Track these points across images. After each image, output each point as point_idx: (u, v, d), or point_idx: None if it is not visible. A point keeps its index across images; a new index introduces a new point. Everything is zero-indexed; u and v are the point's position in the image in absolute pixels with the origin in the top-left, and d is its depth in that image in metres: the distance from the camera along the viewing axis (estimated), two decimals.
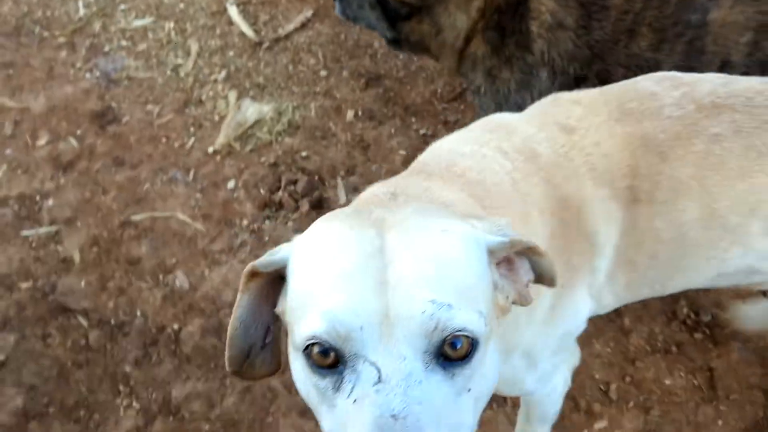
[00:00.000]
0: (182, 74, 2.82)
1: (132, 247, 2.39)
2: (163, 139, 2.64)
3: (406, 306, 0.82)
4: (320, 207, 2.41)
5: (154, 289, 2.31)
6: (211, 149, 2.59)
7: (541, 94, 1.78)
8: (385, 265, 0.85)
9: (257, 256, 2.25)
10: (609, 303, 1.38)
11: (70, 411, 2.13)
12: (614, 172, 1.24)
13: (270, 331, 1.10)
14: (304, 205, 2.42)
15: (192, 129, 2.66)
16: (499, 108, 1.99)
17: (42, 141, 2.62)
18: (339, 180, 2.48)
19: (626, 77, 1.53)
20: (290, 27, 2.95)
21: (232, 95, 2.72)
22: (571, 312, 1.28)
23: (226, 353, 1.08)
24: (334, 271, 0.88)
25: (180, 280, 2.32)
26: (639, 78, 1.40)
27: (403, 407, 0.79)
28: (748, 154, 1.23)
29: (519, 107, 1.85)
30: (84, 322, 2.26)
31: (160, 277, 2.33)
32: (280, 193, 2.46)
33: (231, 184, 2.50)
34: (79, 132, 2.65)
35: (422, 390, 0.81)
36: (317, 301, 0.86)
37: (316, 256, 0.92)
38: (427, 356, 0.83)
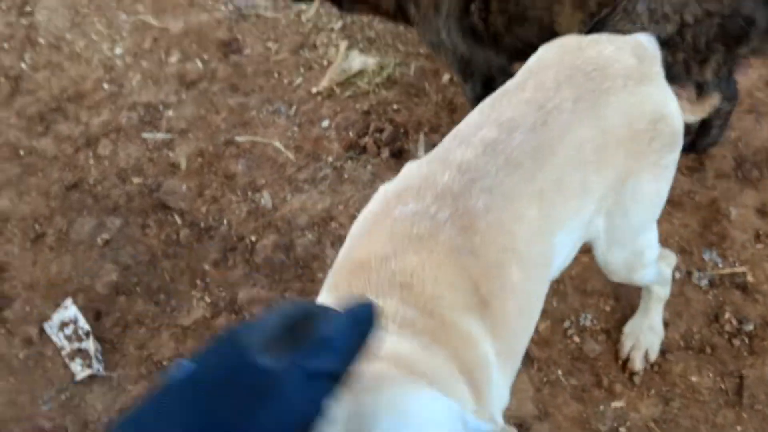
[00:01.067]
0: (303, 19, 3.07)
1: (230, 163, 2.69)
2: (276, 75, 2.91)
3: None
4: (399, 157, 2.61)
5: (241, 203, 2.60)
6: (314, 90, 2.84)
7: (448, 17, 2.09)
8: None
9: (335, 191, 2.50)
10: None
11: (153, 293, 2.46)
12: (457, 295, 1.29)
13: None
14: (385, 153, 2.63)
15: (302, 69, 2.92)
16: (431, 42, 2.26)
17: (173, 59, 2.96)
18: (421, 136, 2.66)
19: None
20: None
21: (343, 45, 2.94)
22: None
23: None
24: None
25: (265, 199, 2.60)
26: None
27: None
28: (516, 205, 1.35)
29: (438, 32, 2.16)
30: (179, 220, 2.58)
31: (249, 193, 2.62)
32: (366, 138, 2.68)
33: (325, 123, 2.74)
34: (205, 56, 2.97)
35: None
36: None
37: None
38: None
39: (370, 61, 2.86)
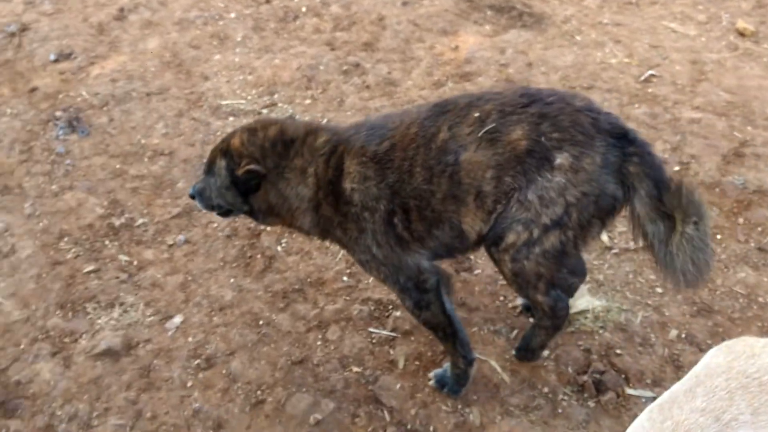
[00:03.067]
0: None
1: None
2: (501, 298, 3.05)
3: None
4: (618, 404, 2.56)
5: (450, 414, 2.64)
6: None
7: (375, 233, 2.41)
8: None
9: (546, 423, 2.49)
10: None
11: None
12: None
13: None
14: (604, 396, 2.59)
15: None
16: (361, 259, 2.52)
17: None
18: (642, 390, 2.62)
19: (417, 204, 2.34)
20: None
21: None
22: None
23: None
24: None
25: (474, 415, 2.62)
26: None
27: None
28: None
29: (369, 249, 2.45)
30: (387, 416, 2.66)
31: (459, 406, 2.66)
32: (585, 377, 2.67)
33: (545, 353, 2.79)
34: None
35: None
36: None
37: None
38: None
39: (597, 303, 2.93)
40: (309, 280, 3.24)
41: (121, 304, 3.19)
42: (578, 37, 4.84)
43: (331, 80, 4.54)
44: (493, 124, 2.26)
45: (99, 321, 3.11)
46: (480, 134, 2.26)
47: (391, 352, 2.89)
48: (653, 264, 2.37)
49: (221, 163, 2.55)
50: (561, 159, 2.20)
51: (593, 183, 2.22)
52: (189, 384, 2.81)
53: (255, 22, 5.18)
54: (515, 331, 2.90)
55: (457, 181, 2.29)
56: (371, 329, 2.99)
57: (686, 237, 2.21)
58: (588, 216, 2.26)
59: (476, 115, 2.29)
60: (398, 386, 2.75)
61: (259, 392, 2.79)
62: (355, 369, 2.84)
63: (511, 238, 2.30)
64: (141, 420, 2.70)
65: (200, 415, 2.70)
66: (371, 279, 3.20)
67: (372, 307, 3.08)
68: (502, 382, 2.72)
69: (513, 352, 2.78)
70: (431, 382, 2.73)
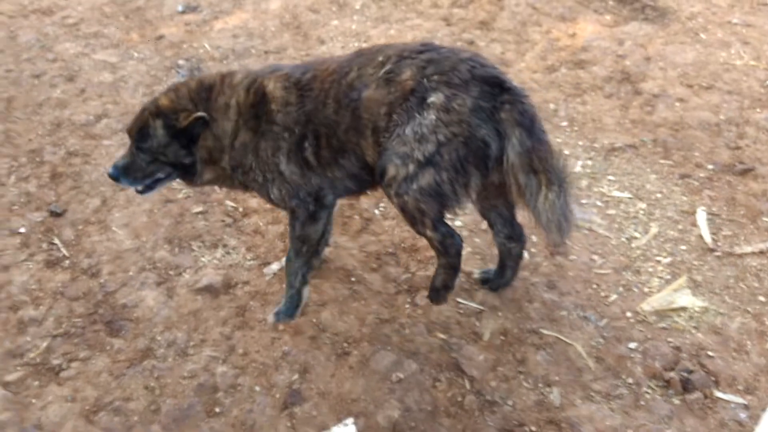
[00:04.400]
0: (633, 245, 3.20)
1: (530, 351, 2.79)
2: (594, 286, 3.03)
3: None
4: (704, 405, 2.51)
5: (530, 391, 2.66)
6: (629, 313, 2.89)
7: (288, 152, 2.66)
8: None
9: (627, 413, 2.47)
10: None
11: None
12: None
13: None
14: (690, 396, 2.55)
15: (621, 289, 3.01)
16: (265, 177, 2.72)
17: None
18: (732, 395, 2.56)
19: (326, 132, 2.61)
20: (747, 249, 3.14)
21: (683, 279, 3.01)
22: None
23: None
24: None
25: (554, 395, 2.63)
26: None
27: None
28: None
29: (277, 166, 2.68)
30: (468, 385, 2.70)
31: (540, 385, 2.67)
32: (672, 373, 2.63)
33: (633, 344, 2.76)
34: (533, 249, 3.20)
35: None
36: None
37: None
38: None
39: (696, 302, 2.87)
40: (403, 245, 3.31)
41: (224, 245, 3.35)
42: (703, 35, 4.67)
43: None
44: (390, 66, 2.51)
45: (203, 259, 3.28)
46: (380, 74, 2.52)
47: (477, 324, 2.92)
48: None
49: (156, 124, 2.69)
50: (434, 98, 2.41)
51: (463, 124, 2.40)
52: (280, 327, 2.93)
53: None
54: (605, 320, 2.88)
55: (358, 115, 2.55)
56: (459, 300, 3.03)
57: (549, 201, 2.41)
58: (460, 158, 2.43)
59: (380, 59, 2.56)
60: (481, 357, 2.78)
61: (345, 344, 2.88)
62: (440, 335, 2.89)
63: (391, 171, 2.50)
64: (233, 354, 2.84)
65: (288, 358, 2.82)
66: (464, 252, 3.23)
67: (462, 279, 3.11)
68: (586, 367, 2.71)
69: (427, 296, 2.95)
70: (269, 320, 2.94)
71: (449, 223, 2.68)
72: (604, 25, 4.78)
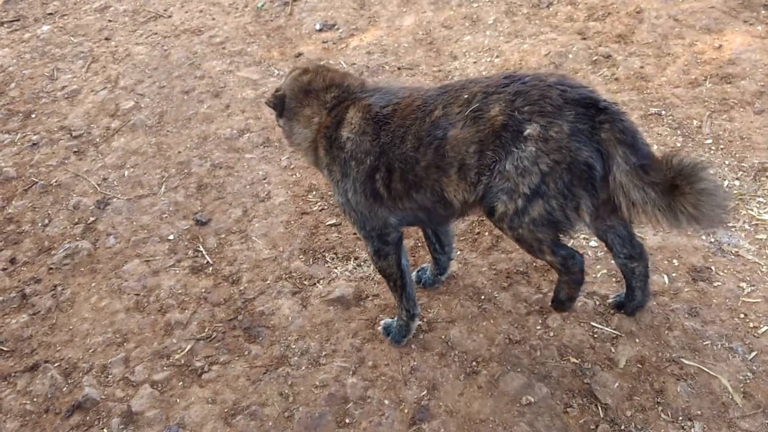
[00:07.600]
0: None
1: (669, 381, 2.66)
2: (741, 315, 2.85)
3: None
4: None
5: (669, 424, 2.53)
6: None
7: (355, 182, 2.72)
8: None
9: None
10: None
11: None
12: None
13: None
14: None
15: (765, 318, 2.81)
16: (345, 195, 2.77)
17: None
18: None
19: (401, 167, 2.61)
20: None
21: None
22: None
23: None
24: None
25: (695, 430, 2.49)
26: None
27: None
28: None
29: (346, 192, 2.76)
30: (601, 413, 2.61)
31: (680, 418, 2.54)
32: None
33: None
34: (674, 274, 3.06)
35: None
36: None
37: None
38: None
39: None
40: (534, 264, 3.25)
41: (356, 258, 3.42)
42: None
43: (579, 69, 4.46)
44: (477, 104, 2.48)
45: (335, 270, 3.37)
46: (466, 113, 2.49)
47: (613, 350, 2.82)
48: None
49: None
50: (530, 129, 2.36)
51: (563, 150, 2.33)
52: (410, 343, 2.96)
53: (508, 6, 5.22)
54: (754, 353, 2.70)
55: (442, 153, 2.53)
56: (594, 323, 2.93)
57: (696, 191, 2.23)
58: (566, 184, 2.36)
59: (465, 96, 2.53)
60: (616, 385, 2.68)
61: (474, 363, 2.86)
62: (573, 360, 2.81)
63: (500, 208, 2.47)
64: (363, 366, 2.90)
65: (417, 373, 2.84)
66: (599, 274, 3.14)
67: (597, 302, 3.02)
68: (732, 403, 2.55)
69: (550, 304, 2.85)
70: (379, 328, 3.03)
71: (570, 244, 2.62)
72: (755, 36, 4.49)
